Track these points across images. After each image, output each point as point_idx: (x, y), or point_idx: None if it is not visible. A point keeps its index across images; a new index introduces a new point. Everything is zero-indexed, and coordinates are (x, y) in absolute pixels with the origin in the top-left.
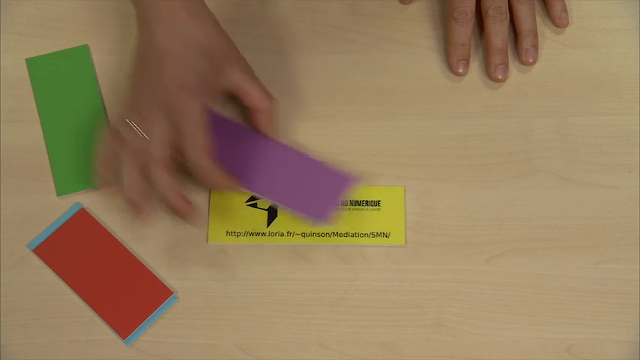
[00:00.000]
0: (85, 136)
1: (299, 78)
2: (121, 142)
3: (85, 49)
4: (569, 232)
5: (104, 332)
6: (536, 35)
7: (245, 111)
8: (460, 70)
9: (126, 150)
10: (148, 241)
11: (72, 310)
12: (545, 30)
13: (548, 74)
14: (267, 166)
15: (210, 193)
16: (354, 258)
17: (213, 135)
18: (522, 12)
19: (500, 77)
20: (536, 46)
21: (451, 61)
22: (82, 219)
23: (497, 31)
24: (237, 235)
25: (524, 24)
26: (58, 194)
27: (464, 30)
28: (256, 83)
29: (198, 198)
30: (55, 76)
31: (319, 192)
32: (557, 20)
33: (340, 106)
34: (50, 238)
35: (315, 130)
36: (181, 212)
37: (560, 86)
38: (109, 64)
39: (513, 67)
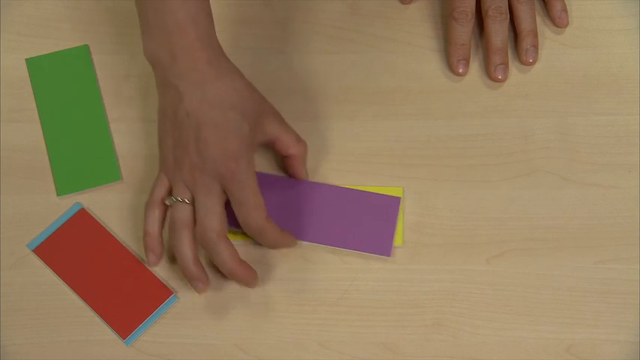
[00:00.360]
0: (85, 136)
1: (299, 78)
2: (168, 216)
3: (85, 49)
4: (569, 232)
5: (104, 332)
6: (536, 35)
7: None
8: (460, 70)
9: (177, 224)
10: None
11: (72, 310)
12: (545, 30)
13: (548, 74)
14: (315, 212)
15: None
16: (354, 258)
17: None
18: (522, 12)
19: (500, 77)
20: (536, 46)
21: (451, 61)
22: (82, 219)
23: (497, 31)
24: (236, 234)
25: (524, 24)
26: (58, 194)
27: (464, 30)
28: (289, 130)
29: None
30: (55, 76)
31: (375, 225)
32: (557, 20)
33: (340, 106)
34: (50, 238)
35: (315, 130)
36: (245, 281)
37: (560, 86)
38: (109, 64)
39: (513, 67)
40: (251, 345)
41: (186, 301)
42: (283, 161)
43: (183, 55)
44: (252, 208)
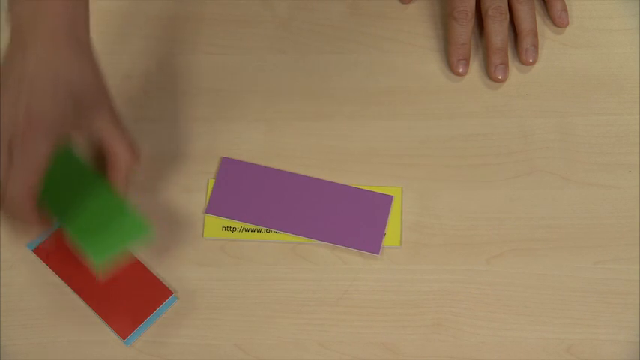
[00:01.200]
0: (96, 199)
1: (299, 78)
2: None
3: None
4: (569, 232)
5: (104, 332)
6: (536, 35)
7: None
8: (460, 70)
9: None
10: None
11: (72, 310)
12: (545, 30)
13: (548, 74)
14: (307, 206)
15: (208, 184)
16: (354, 258)
17: (242, 184)
18: (522, 12)
19: (500, 77)
20: (536, 46)
21: (451, 60)
22: None
23: (497, 31)
24: (233, 231)
25: (524, 24)
26: (95, 263)
27: (464, 30)
28: (123, 138)
29: (194, 191)
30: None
31: (366, 223)
32: (557, 20)
33: (340, 106)
34: (50, 238)
35: (315, 130)
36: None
37: (560, 86)
38: (109, 64)
39: (513, 67)
40: (251, 345)
41: (186, 301)
42: (107, 166)
43: (46, 20)
44: (22, 179)
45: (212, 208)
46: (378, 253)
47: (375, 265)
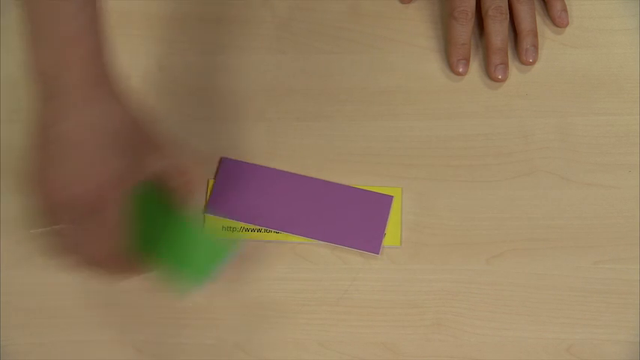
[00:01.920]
0: (179, 236)
1: (299, 78)
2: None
3: None
4: (569, 232)
5: (104, 332)
6: (536, 35)
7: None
8: (460, 70)
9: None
10: None
11: (72, 310)
12: (545, 30)
13: (548, 74)
14: (306, 206)
15: (207, 185)
16: (354, 258)
17: (242, 184)
18: (522, 12)
19: (500, 77)
20: (536, 46)
21: (451, 60)
22: None
23: (497, 30)
24: (233, 231)
25: (524, 24)
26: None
27: (464, 29)
28: (181, 163)
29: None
30: None
31: (366, 223)
32: (557, 20)
33: (340, 106)
34: None
35: (315, 130)
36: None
37: (560, 86)
38: None
39: (513, 67)
40: (251, 345)
41: (185, 301)
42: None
43: (72, 69)
44: (102, 243)
45: (212, 208)
46: (378, 253)
47: (375, 265)
